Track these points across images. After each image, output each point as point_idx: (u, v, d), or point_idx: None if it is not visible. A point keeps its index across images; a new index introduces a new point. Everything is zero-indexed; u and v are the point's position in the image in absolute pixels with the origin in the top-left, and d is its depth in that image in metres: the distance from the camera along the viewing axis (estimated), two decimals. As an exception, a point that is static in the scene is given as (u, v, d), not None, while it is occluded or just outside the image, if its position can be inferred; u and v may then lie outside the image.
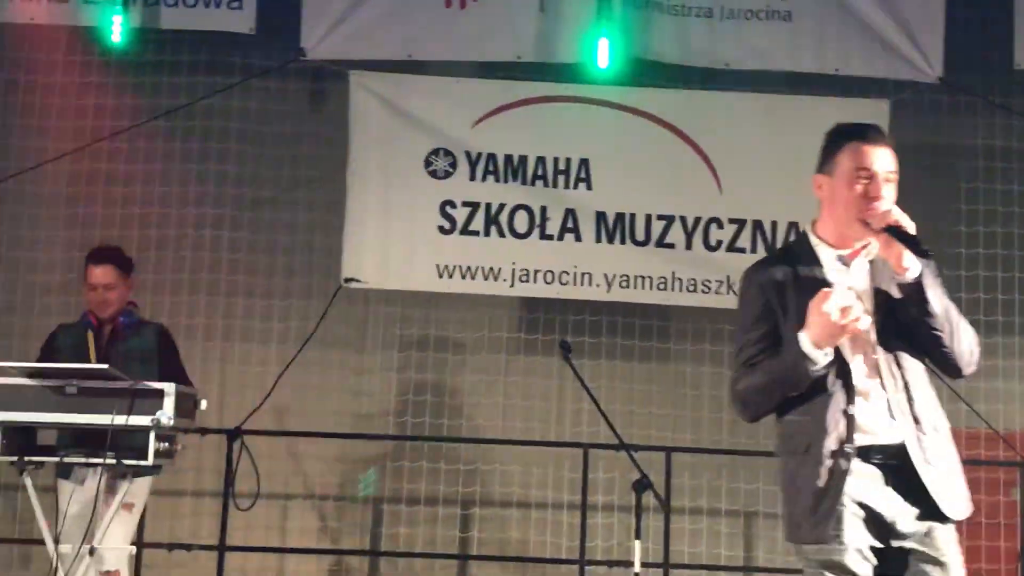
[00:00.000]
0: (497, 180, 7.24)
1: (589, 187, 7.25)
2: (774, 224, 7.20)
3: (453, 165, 7.23)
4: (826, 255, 3.31)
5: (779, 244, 7.20)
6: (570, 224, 7.22)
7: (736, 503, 7.41)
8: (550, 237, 7.21)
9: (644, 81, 7.38)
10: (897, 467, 3.15)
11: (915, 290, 3.16)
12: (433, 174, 7.23)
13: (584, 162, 7.25)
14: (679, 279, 7.19)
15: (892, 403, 3.18)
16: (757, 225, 7.20)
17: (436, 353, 7.53)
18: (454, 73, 7.35)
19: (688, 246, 7.21)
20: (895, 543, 3.15)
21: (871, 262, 3.29)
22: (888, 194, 3.25)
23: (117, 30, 7.18)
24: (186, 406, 4.91)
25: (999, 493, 7.14)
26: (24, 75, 7.54)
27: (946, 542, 3.15)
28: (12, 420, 4.76)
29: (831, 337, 3.12)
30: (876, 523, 3.15)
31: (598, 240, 7.21)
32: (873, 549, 3.14)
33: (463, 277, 7.19)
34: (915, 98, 7.24)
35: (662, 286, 7.21)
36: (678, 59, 7.25)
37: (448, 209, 7.21)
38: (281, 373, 7.11)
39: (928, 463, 3.15)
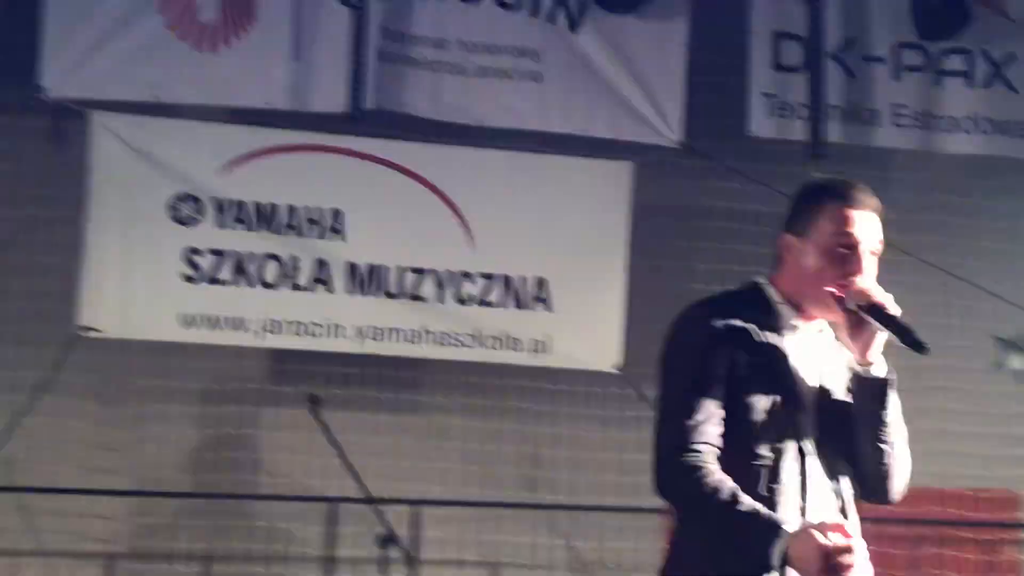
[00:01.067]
0: (247, 228, 7.09)
1: (342, 238, 7.20)
2: (523, 279, 7.30)
3: (200, 212, 7.03)
4: (788, 319, 2.86)
5: (528, 299, 7.31)
6: (321, 275, 7.14)
7: (484, 554, 7.45)
8: (301, 288, 7.11)
9: (398, 134, 7.40)
10: None
11: (877, 389, 2.79)
12: (178, 220, 7.02)
13: (337, 212, 7.19)
14: (430, 332, 7.21)
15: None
16: (507, 280, 7.31)
17: (182, 406, 7.30)
18: (203, 118, 7.19)
19: (440, 299, 7.24)
20: None
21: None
22: (870, 269, 2.83)
23: None
24: None
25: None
26: None
27: None
28: None
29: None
30: None
31: (350, 292, 7.15)
32: None
33: (210, 327, 6.99)
34: (658, 160, 7.52)
35: (414, 339, 7.21)
36: (432, 114, 7.30)
37: (194, 257, 7.01)
38: (11, 425, 6.75)
39: None
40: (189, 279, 6.97)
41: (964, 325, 7.74)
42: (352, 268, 7.17)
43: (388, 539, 5.71)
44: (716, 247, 7.75)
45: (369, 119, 7.21)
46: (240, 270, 7.06)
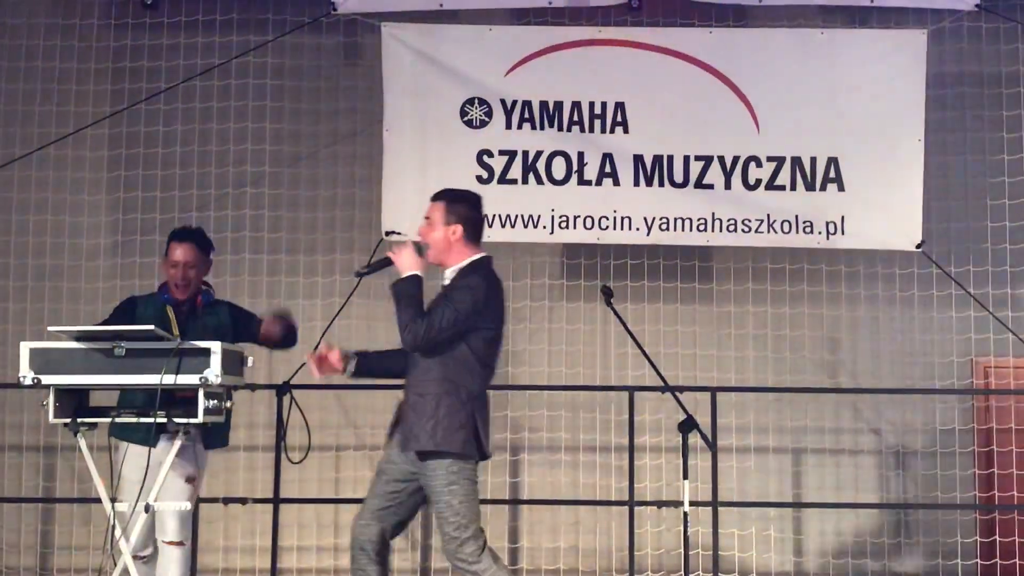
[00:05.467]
0: (533, 127, 7.22)
1: (626, 130, 7.21)
2: (813, 160, 7.13)
3: (488, 114, 7.22)
4: None
5: (818, 180, 7.13)
6: (608, 168, 7.20)
7: (783, 441, 7.43)
8: (588, 182, 7.20)
9: (677, 21, 7.33)
10: None
11: None
12: (469, 124, 7.22)
13: (620, 105, 7.21)
14: (719, 219, 7.16)
15: None
16: (796, 162, 7.14)
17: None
18: (486, 21, 7.32)
19: (727, 186, 7.17)
20: None
21: None
22: None
23: (149, -8, 7.21)
24: (233, 363, 4.97)
25: None
26: (60, 40, 7.61)
27: None
28: (63, 383, 4.85)
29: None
30: None
31: (636, 183, 7.19)
32: None
33: (503, 225, 7.18)
34: (954, 27, 7.12)
35: (702, 227, 7.18)
36: (710, -4, 7.17)
37: (485, 158, 7.21)
38: (327, 327, 7.19)
39: None
40: (482, 180, 7.17)
41: None
42: (638, 160, 7.19)
43: (689, 425, 5.76)
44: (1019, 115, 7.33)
45: (647, 9, 7.16)
46: (529, 168, 7.21)
